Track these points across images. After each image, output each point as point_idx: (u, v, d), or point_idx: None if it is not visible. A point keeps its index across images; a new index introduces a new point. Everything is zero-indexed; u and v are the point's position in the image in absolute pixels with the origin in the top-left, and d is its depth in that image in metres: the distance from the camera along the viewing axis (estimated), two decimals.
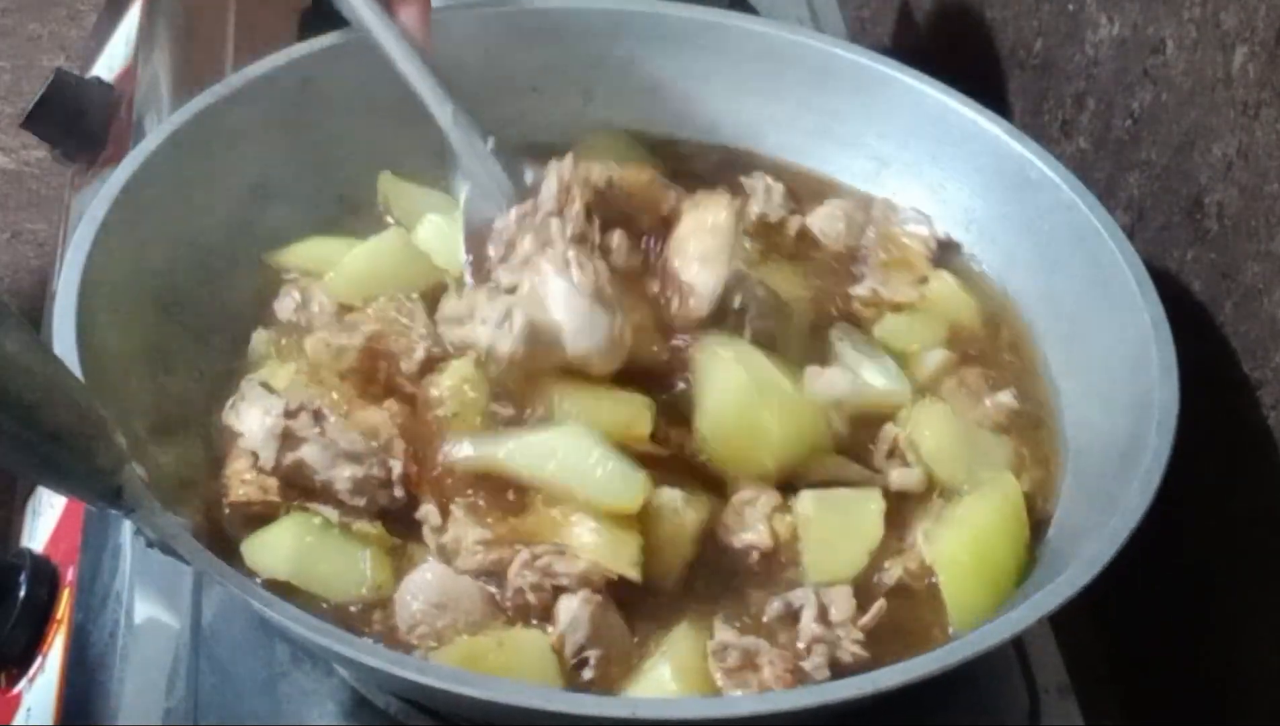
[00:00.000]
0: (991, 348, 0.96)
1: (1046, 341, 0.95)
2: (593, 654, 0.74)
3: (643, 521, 0.77)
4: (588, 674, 0.74)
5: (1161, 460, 0.77)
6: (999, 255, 1.00)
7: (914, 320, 0.96)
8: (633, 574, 0.75)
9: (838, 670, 0.75)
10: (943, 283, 0.99)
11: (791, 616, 0.76)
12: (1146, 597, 0.98)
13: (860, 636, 0.76)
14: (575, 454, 0.77)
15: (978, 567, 0.80)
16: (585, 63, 1.07)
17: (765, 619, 0.77)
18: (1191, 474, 0.79)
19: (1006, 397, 0.91)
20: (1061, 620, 0.84)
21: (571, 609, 0.74)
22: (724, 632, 0.75)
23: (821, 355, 0.91)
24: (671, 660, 0.74)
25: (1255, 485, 0.89)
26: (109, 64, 1.37)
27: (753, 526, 0.80)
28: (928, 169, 1.04)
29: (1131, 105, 1.02)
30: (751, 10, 1.21)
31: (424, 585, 0.76)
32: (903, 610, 0.79)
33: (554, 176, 0.87)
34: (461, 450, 0.79)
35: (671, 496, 0.79)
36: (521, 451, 0.78)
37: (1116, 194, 1.03)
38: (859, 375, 0.89)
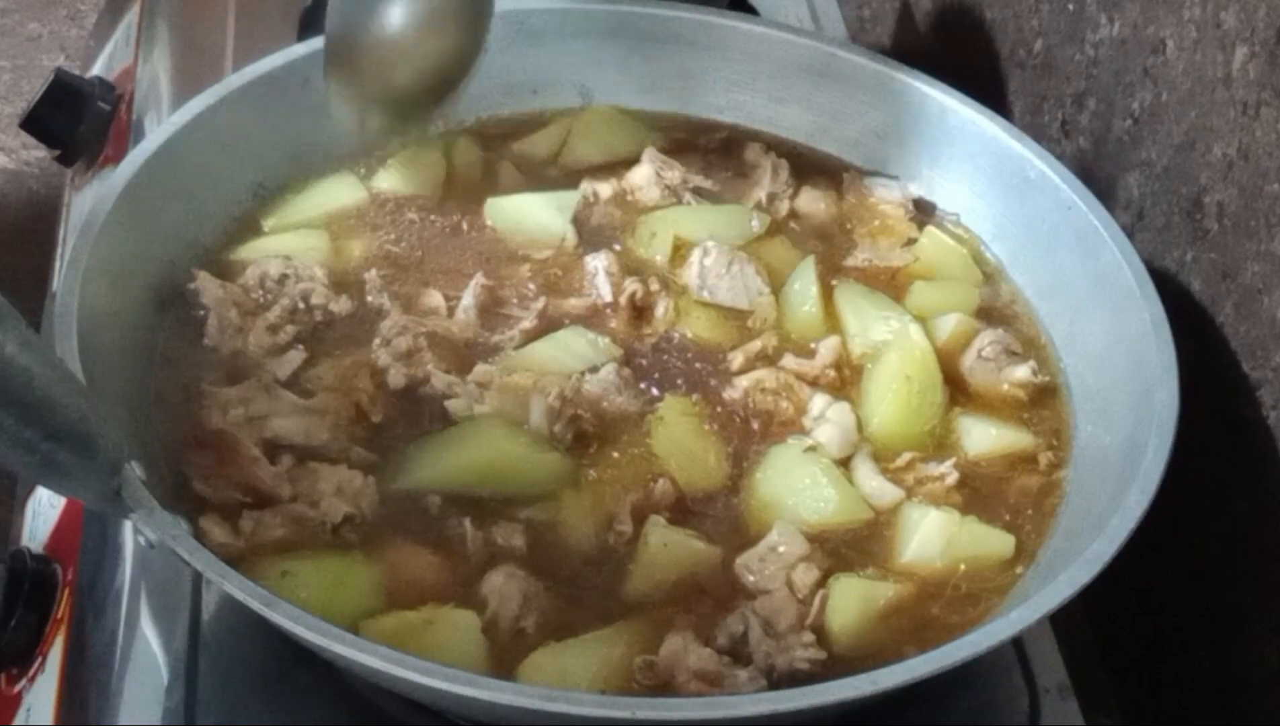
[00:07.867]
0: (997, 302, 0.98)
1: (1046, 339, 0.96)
2: (529, 621, 0.76)
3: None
4: (527, 641, 0.75)
5: (1161, 460, 0.77)
6: (999, 254, 1.01)
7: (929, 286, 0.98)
8: None
9: (798, 678, 0.74)
10: (932, 238, 1.01)
11: (741, 640, 0.76)
12: (1146, 597, 0.98)
13: (811, 639, 0.75)
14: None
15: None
16: (585, 62, 1.08)
17: (718, 645, 0.75)
18: (1191, 474, 0.79)
19: (1025, 372, 0.91)
20: (1061, 620, 0.84)
21: (496, 584, 0.76)
22: (671, 643, 0.75)
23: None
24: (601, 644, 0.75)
25: (1255, 485, 0.89)
26: (109, 64, 1.37)
27: (771, 577, 0.79)
28: (928, 169, 1.04)
29: (1131, 105, 1.02)
30: (751, 10, 1.21)
31: None
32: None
33: None
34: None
35: (661, 535, 0.80)
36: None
37: (1116, 194, 1.03)
38: (867, 335, 0.92)
